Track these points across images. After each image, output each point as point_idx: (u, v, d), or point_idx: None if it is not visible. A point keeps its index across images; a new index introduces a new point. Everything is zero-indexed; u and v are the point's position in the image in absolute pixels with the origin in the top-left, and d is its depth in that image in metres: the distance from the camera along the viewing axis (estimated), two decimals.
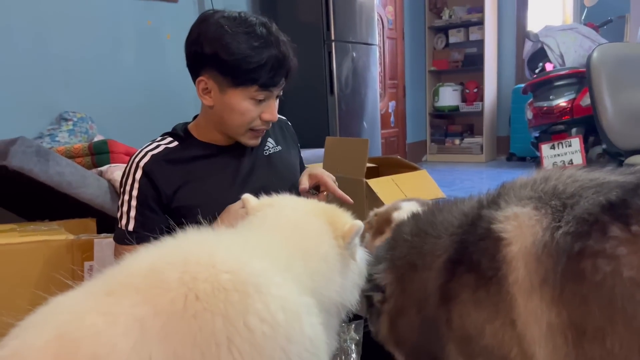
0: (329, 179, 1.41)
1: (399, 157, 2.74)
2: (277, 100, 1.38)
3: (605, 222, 0.76)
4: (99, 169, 2.19)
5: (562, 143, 3.42)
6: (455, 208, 1.04)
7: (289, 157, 1.57)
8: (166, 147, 1.37)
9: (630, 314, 0.71)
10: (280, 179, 1.48)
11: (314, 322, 0.82)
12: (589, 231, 0.77)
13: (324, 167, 2.77)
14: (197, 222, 1.31)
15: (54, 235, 1.73)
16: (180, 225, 1.35)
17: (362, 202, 2.43)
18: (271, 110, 1.35)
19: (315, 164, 2.81)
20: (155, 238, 1.35)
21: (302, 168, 1.65)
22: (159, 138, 1.42)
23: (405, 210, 1.35)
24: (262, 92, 1.29)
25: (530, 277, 0.81)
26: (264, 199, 1.06)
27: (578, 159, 3.36)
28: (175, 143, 1.39)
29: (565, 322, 0.77)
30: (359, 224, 0.99)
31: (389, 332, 1.04)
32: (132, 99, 3.27)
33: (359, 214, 2.55)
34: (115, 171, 2.16)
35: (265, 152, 1.50)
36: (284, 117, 1.64)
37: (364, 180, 2.42)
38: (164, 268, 0.77)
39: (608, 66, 2.16)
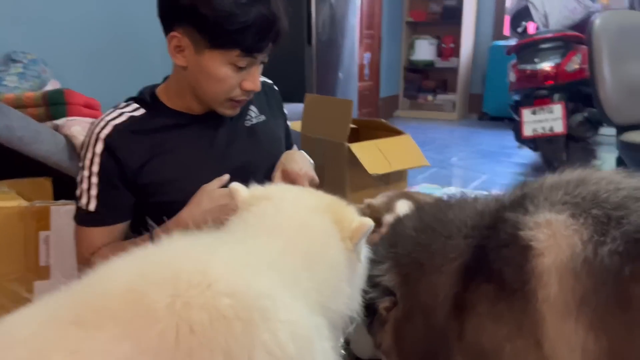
0: (305, 179, 1.23)
1: (382, 120, 2.60)
2: (261, 66, 1.21)
3: None
4: (55, 122, 1.96)
5: (544, 109, 3.36)
6: (467, 206, 0.94)
7: (274, 128, 1.40)
8: (131, 116, 1.20)
9: None
10: (263, 154, 1.33)
11: (326, 348, 0.70)
12: None
13: (303, 127, 2.61)
14: (168, 202, 1.18)
15: (4, 201, 1.54)
16: (148, 204, 1.22)
17: (343, 167, 2.31)
18: (254, 79, 1.18)
19: (294, 122, 2.64)
20: (121, 219, 1.22)
21: (288, 141, 1.48)
22: (123, 104, 1.23)
23: (400, 212, 1.25)
24: (245, 58, 1.12)
25: (565, 296, 0.73)
26: (257, 189, 0.91)
27: (559, 126, 3.32)
28: (142, 111, 1.21)
29: (604, 350, 0.69)
30: (369, 222, 0.86)
31: (393, 342, 0.94)
32: (91, 40, 2.95)
33: (339, 180, 2.43)
34: (73, 126, 1.94)
35: (247, 123, 1.33)
36: (269, 80, 1.46)
37: (346, 144, 2.28)
38: (148, 290, 0.62)
39: (610, 35, 2.05)
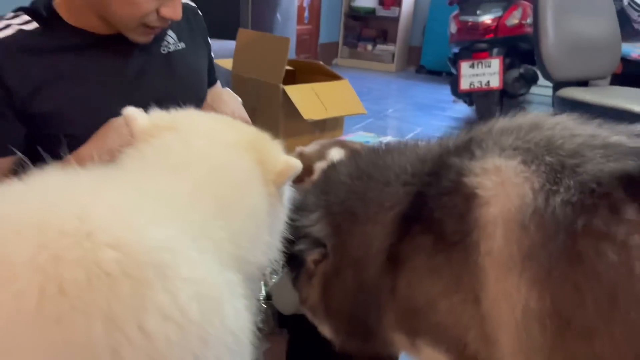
0: None
1: (321, 63, 2.46)
2: None
3: (620, 199, 0.61)
4: None
5: (482, 62, 3.34)
6: (408, 151, 0.86)
7: (196, 59, 1.23)
8: (21, 30, 0.99)
9: (632, 319, 0.59)
10: (181, 87, 1.15)
11: (238, 309, 0.59)
12: (597, 205, 0.62)
13: (235, 65, 2.42)
14: (66, 136, 1.00)
15: None
16: (42, 138, 1.03)
17: (277, 110, 2.17)
18: (174, 6, 1.00)
19: (223, 59, 2.44)
20: (6, 153, 1.02)
21: (212, 75, 1.31)
22: (10, 14, 1.01)
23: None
24: None
25: (510, 249, 0.66)
26: (159, 115, 0.75)
27: (495, 81, 3.32)
28: (35, 25, 1.01)
29: (547, 308, 0.64)
30: (296, 164, 0.75)
31: (320, 298, 0.85)
32: None
33: (272, 124, 2.29)
34: None
35: (163, 50, 1.15)
36: (192, 3, 1.27)
37: (281, 86, 2.13)
38: (4, 238, 0.48)
39: None
